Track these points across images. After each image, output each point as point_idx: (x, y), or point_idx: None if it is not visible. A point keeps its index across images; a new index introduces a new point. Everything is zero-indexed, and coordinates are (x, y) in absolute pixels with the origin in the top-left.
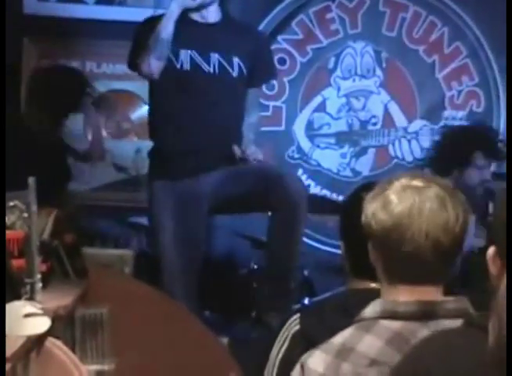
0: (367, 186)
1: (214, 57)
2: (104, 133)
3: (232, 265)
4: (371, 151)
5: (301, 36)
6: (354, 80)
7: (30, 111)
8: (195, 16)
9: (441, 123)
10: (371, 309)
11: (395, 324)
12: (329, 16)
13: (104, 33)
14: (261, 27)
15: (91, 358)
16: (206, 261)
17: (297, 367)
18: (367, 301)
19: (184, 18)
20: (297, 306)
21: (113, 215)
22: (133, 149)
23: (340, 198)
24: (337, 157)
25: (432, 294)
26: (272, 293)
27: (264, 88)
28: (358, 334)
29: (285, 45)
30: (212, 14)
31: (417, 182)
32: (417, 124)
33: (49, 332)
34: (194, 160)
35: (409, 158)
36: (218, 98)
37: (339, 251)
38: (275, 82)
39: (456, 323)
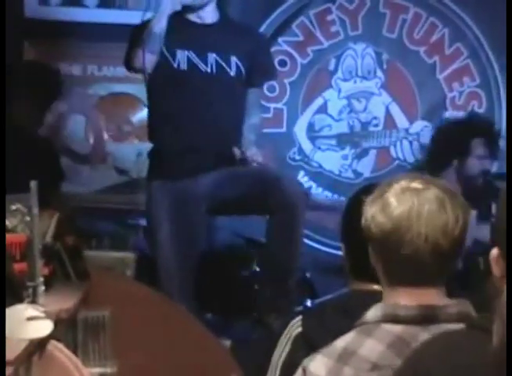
0: (368, 188)
1: (212, 57)
2: (105, 136)
3: (233, 266)
4: (372, 152)
5: (301, 38)
6: (355, 81)
7: (11, 109)
8: (192, 17)
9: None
10: (372, 313)
11: (397, 328)
12: (329, 17)
13: (105, 36)
14: (261, 30)
15: (93, 361)
16: (207, 262)
17: (299, 371)
18: (369, 304)
19: (181, 19)
20: (299, 308)
21: (114, 217)
22: (134, 151)
23: (342, 200)
24: (339, 158)
25: (434, 296)
26: (272, 295)
27: (265, 89)
28: (359, 338)
29: (285, 47)
30: (209, 15)
31: (416, 184)
32: (418, 125)
33: (51, 335)
34: (192, 160)
35: (411, 159)
36: (216, 98)
37: (340, 253)
38: (275, 84)
39: (458, 326)
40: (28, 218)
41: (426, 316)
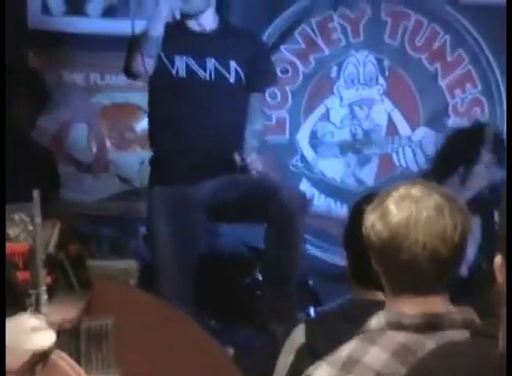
0: (370, 196)
1: (211, 63)
2: (108, 144)
3: (235, 274)
4: (375, 160)
5: (303, 45)
6: (357, 89)
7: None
8: (191, 24)
9: (445, 131)
10: (376, 321)
11: (401, 336)
12: (331, 25)
13: (108, 45)
14: (263, 37)
15: (96, 369)
16: (209, 269)
17: None
18: (372, 312)
19: (180, 26)
20: (302, 315)
21: (116, 225)
22: (137, 160)
23: (345, 207)
24: (341, 166)
25: (437, 303)
26: (275, 302)
27: (267, 97)
28: (363, 346)
29: (287, 55)
30: (208, 21)
31: (416, 192)
32: (421, 132)
33: (54, 344)
34: (193, 166)
35: (413, 166)
36: (216, 103)
37: (343, 260)
38: (277, 92)
39: (462, 333)
40: (31, 228)
41: (430, 324)
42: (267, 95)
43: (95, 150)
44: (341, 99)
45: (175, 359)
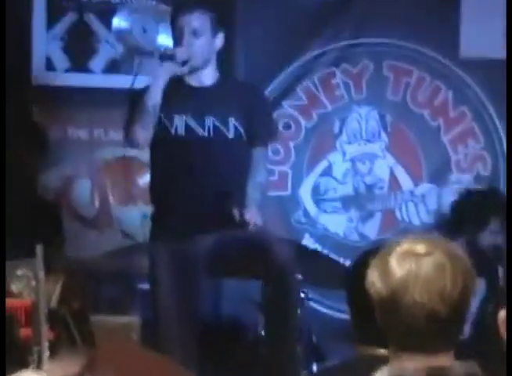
0: (372, 251)
1: (209, 120)
2: (111, 200)
3: (239, 331)
4: (378, 215)
5: (305, 101)
6: (359, 144)
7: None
8: (190, 80)
9: (448, 186)
10: None
11: None
12: (333, 81)
13: (111, 101)
14: (266, 93)
15: None
16: (212, 327)
17: None
18: (375, 367)
19: (179, 82)
20: (305, 372)
21: (119, 281)
22: (140, 215)
23: (347, 262)
24: (344, 221)
25: (440, 360)
26: (277, 359)
27: (270, 152)
28: None
29: (290, 111)
30: (208, 77)
31: (419, 248)
32: (424, 187)
33: None
34: (192, 222)
35: (416, 222)
36: (215, 159)
37: (347, 316)
38: (280, 147)
39: None
40: (34, 283)
41: None
42: (270, 150)
43: (97, 205)
44: (344, 154)
45: None
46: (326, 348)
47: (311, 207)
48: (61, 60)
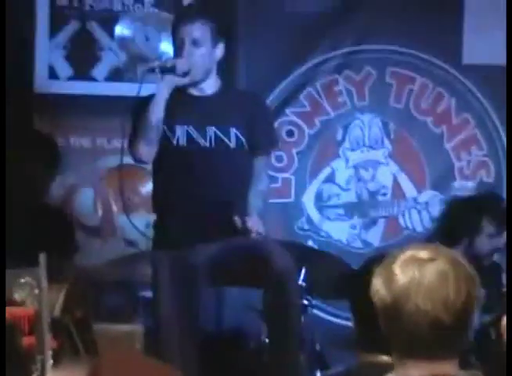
0: (376, 259)
1: (211, 130)
2: (114, 208)
3: (241, 339)
4: (381, 222)
5: (308, 108)
6: (362, 151)
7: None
8: (191, 90)
9: (451, 193)
10: None
11: None
12: (336, 88)
13: (114, 109)
14: (268, 100)
15: None
16: (215, 335)
17: None
18: (379, 375)
19: (180, 92)
20: None
21: (123, 289)
22: (143, 223)
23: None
24: (347, 228)
25: (444, 368)
26: (280, 367)
27: (273, 159)
28: None
29: (293, 118)
30: (209, 85)
31: (422, 256)
32: (427, 194)
33: None
34: (194, 230)
35: (420, 229)
36: (217, 169)
37: (350, 324)
38: (283, 154)
39: None
40: (37, 292)
41: None
42: (273, 157)
43: (100, 213)
44: (347, 161)
45: None
46: (329, 355)
47: (315, 214)
48: (64, 68)
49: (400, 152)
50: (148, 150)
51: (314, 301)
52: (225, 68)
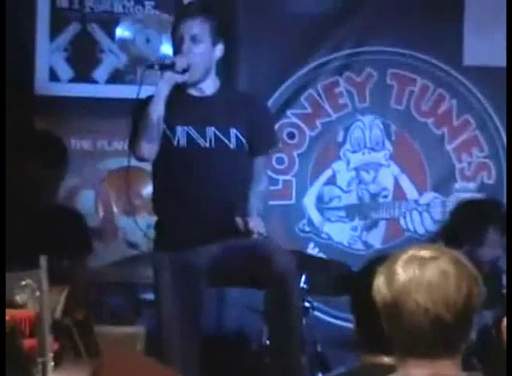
0: (377, 260)
1: (211, 131)
2: (115, 210)
3: (243, 340)
4: (382, 224)
5: (309, 110)
6: (363, 153)
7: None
8: (191, 90)
9: (453, 195)
10: None
11: None
12: (337, 90)
13: (115, 111)
14: (270, 102)
15: None
16: (216, 336)
17: None
18: None
19: (180, 92)
20: None
21: (125, 291)
22: (144, 225)
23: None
24: (348, 230)
25: (446, 368)
26: (281, 369)
27: (274, 161)
28: None
29: (294, 119)
30: (209, 86)
31: (424, 254)
32: (428, 196)
33: None
34: (195, 232)
35: (421, 230)
36: (218, 170)
37: (352, 325)
38: (284, 156)
39: None
40: (38, 294)
41: None
42: (274, 159)
43: (101, 215)
44: (348, 163)
45: None
46: (331, 357)
47: (316, 216)
48: (65, 71)
49: (401, 154)
50: (150, 148)
51: (315, 303)
52: (226, 69)
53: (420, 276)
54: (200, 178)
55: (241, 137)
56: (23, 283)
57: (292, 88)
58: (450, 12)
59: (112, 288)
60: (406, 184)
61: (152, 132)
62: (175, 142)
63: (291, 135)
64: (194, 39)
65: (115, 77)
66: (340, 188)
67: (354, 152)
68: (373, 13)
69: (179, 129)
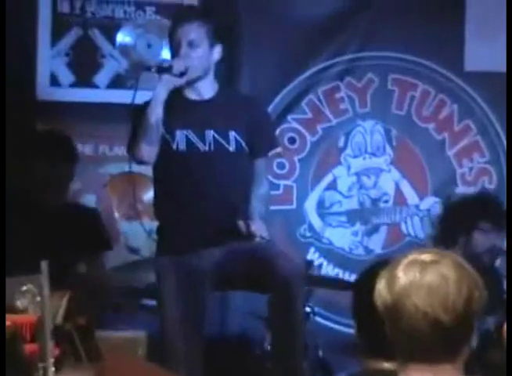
0: (378, 264)
1: (210, 134)
2: (117, 215)
3: (245, 345)
4: (383, 229)
5: (310, 115)
6: (364, 158)
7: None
8: (189, 94)
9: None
10: None
11: None
12: (338, 95)
13: (116, 116)
14: (270, 107)
15: None
16: (219, 341)
17: None
18: None
19: (178, 96)
20: None
21: (126, 296)
22: (147, 230)
23: (354, 277)
24: (349, 235)
25: (446, 372)
26: (283, 373)
27: (275, 166)
28: None
29: (295, 125)
30: (207, 89)
31: (424, 258)
32: (429, 201)
33: None
34: (197, 236)
35: (422, 235)
36: (218, 174)
37: (353, 330)
38: (285, 161)
39: None
40: (39, 299)
41: None
42: (274, 165)
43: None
44: (349, 168)
45: None
46: (332, 362)
47: (317, 221)
48: (66, 76)
49: (402, 159)
50: (149, 150)
51: (316, 308)
52: (227, 74)
53: (420, 279)
54: (200, 181)
55: (240, 140)
56: (24, 288)
57: (293, 93)
58: (451, 17)
59: (113, 293)
60: (407, 189)
61: (151, 135)
62: (174, 146)
63: (292, 140)
64: (191, 44)
65: (116, 82)
66: (340, 193)
67: (355, 157)
68: (374, 18)
69: (178, 133)
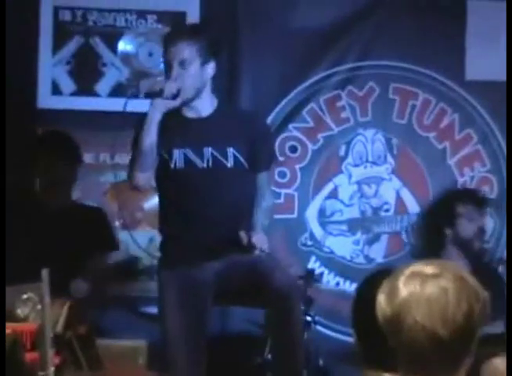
0: (378, 273)
1: (208, 152)
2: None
3: (246, 354)
4: (384, 238)
5: (311, 124)
6: (365, 167)
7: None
8: (187, 113)
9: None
10: None
11: None
12: (339, 104)
13: (117, 124)
14: (271, 116)
15: None
16: (219, 350)
17: None
18: None
19: (175, 115)
20: None
21: (127, 305)
22: (146, 238)
23: (355, 286)
24: (350, 243)
25: None
26: None
27: (276, 175)
28: None
29: (296, 133)
30: (205, 106)
31: (427, 271)
32: None
33: None
34: (199, 249)
35: None
36: (215, 190)
37: (353, 340)
38: (286, 170)
39: None
40: (39, 307)
41: None
42: (276, 173)
43: None
44: (350, 176)
45: None
46: (333, 371)
47: (318, 230)
48: (67, 84)
49: (403, 168)
50: (143, 177)
51: (316, 317)
52: (228, 84)
53: (420, 292)
54: (200, 198)
55: (239, 155)
56: (25, 296)
57: (294, 101)
58: (452, 26)
59: (114, 302)
60: (408, 198)
61: (146, 160)
62: (172, 165)
63: (293, 149)
64: (183, 64)
65: (117, 91)
66: (342, 202)
67: (356, 166)
68: (375, 28)
69: (176, 152)
